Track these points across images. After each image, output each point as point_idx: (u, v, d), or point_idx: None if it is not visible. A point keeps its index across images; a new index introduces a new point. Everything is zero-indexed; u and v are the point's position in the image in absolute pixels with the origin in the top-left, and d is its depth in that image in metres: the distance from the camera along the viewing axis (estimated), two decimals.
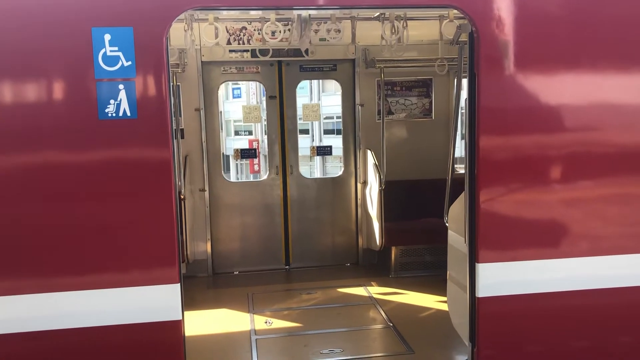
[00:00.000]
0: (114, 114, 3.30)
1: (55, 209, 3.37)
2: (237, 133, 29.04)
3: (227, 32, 6.59)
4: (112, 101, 3.29)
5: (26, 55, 3.25)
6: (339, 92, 7.34)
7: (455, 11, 4.72)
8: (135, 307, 3.48)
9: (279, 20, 5.36)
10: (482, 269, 3.71)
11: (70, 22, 3.26)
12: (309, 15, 5.26)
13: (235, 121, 27.99)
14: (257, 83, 7.66)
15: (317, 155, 8.03)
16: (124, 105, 3.30)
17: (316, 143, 25.31)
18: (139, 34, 3.28)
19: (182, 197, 5.85)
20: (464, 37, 3.91)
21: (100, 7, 3.27)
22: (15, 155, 3.33)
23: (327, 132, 26.39)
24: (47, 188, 3.35)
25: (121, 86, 3.30)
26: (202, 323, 5.42)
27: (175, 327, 3.52)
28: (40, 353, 3.49)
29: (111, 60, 3.27)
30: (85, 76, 3.28)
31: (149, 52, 3.31)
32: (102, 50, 3.26)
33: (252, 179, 24.78)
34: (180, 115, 6.64)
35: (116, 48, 3.27)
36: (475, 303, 3.76)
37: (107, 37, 3.26)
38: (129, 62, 3.29)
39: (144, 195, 3.43)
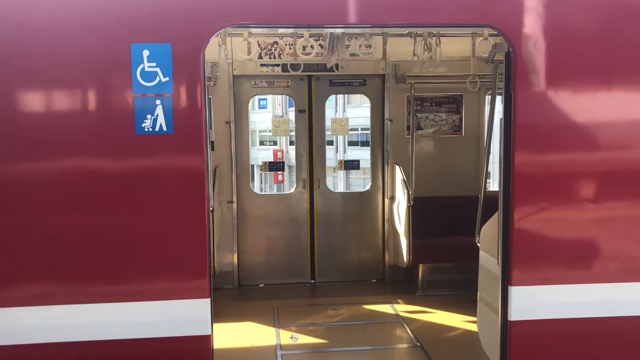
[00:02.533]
0: (150, 129, 3.34)
1: (91, 221, 3.41)
2: (262, 143, 29.25)
3: (259, 46, 6.65)
4: (149, 116, 3.33)
5: (66, 68, 3.31)
6: (365, 104, 7.34)
7: (490, 29, 4.69)
8: (166, 320, 3.50)
9: (311, 36, 5.39)
10: (515, 291, 3.64)
11: (110, 37, 3.32)
12: (342, 33, 5.28)
13: (260, 131, 28.20)
14: (284, 95, 7.68)
15: (345, 169, 8.01)
16: (161, 120, 3.34)
17: (340, 155, 25.34)
18: (176, 50, 3.32)
19: (211, 208, 5.88)
20: (498, 56, 3.88)
21: (140, 23, 3.32)
22: (53, 165, 3.38)
23: (352, 143, 26.43)
24: (83, 200, 3.39)
25: (158, 101, 3.33)
26: (228, 336, 5.42)
27: (204, 341, 3.52)
28: None
29: (149, 76, 3.32)
30: (123, 91, 3.33)
31: (186, 68, 3.34)
32: (141, 66, 3.31)
33: (276, 190, 24.87)
34: (211, 128, 6.70)
35: (154, 64, 3.31)
36: (507, 326, 3.69)
37: (146, 52, 3.31)
38: (167, 78, 3.33)
39: (178, 208, 3.46)
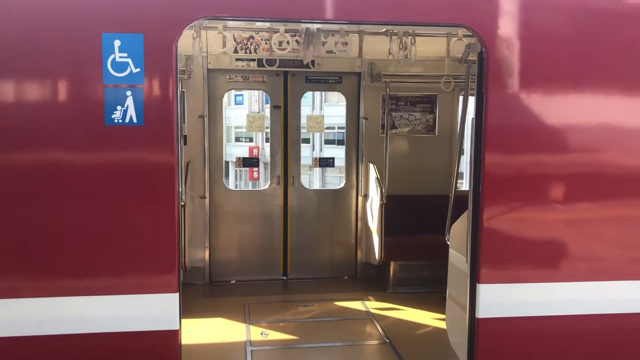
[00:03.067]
0: (120, 120, 3.29)
1: (57, 213, 3.35)
2: (237, 139, 29.09)
3: (235, 40, 6.60)
4: (119, 107, 3.28)
5: (35, 57, 3.24)
6: (342, 103, 7.34)
7: (464, 30, 4.73)
8: (133, 315, 3.45)
9: (287, 31, 5.37)
10: (483, 289, 3.69)
11: (81, 27, 3.26)
12: (317, 29, 5.27)
13: (236, 127, 28.05)
14: (260, 90, 7.65)
15: (320, 166, 8.01)
16: (131, 111, 3.29)
17: (317, 153, 25.35)
18: (149, 41, 3.27)
19: (182, 203, 5.83)
20: (472, 56, 3.92)
21: (112, 13, 3.27)
22: (20, 156, 3.31)
23: (328, 142, 26.46)
24: (49, 191, 3.33)
25: (129, 92, 3.28)
26: (197, 332, 5.38)
27: (172, 336, 3.49)
28: (34, 358, 3.45)
29: (120, 66, 3.26)
30: (93, 81, 3.27)
31: (158, 60, 3.30)
32: (112, 56, 3.25)
33: (251, 187, 24.78)
34: (184, 122, 6.63)
35: (125, 54, 3.26)
36: (475, 323, 3.73)
37: (117, 43, 3.26)
38: (138, 69, 3.28)
39: (147, 201, 3.41)
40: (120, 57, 3.27)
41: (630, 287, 3.88)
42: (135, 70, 3.28)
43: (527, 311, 3.77)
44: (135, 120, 3.30)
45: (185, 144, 6.60)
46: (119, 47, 3.26)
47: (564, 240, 3.79)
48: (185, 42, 5.50)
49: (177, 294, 3.45)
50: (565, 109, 3.71)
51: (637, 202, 3.84)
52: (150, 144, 3.37)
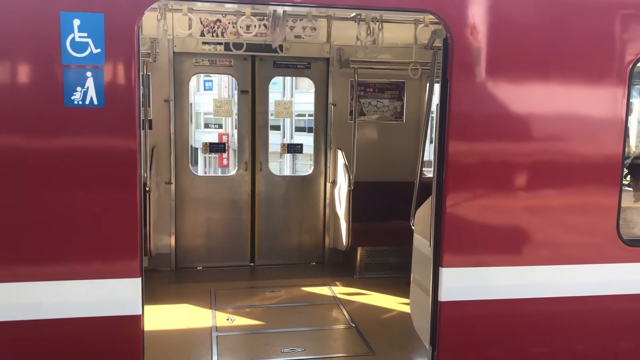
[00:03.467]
0: (80, 102, 3.21)
1: (14, 197, 3.26)
2: (207, 126, 28.79)
3: (201, 23, 6.50)
4: (79, 88, 3.20)
5: None
6: (312, 90, 7.32)
7: (431, 16, 4.75)
8: (94, 300, 3.40)
9: (254, 14, 5.31)
10: (446, 273, 3.73)
11: (38, 4, 3.15)
12: (283, 11, 5.22)
13: (205, 114, 27.75)
14: (230, 76, 7.58)
15: (288, 152, 7.99)
16: (91, 93, 3.21)
17: (287, 140, 25.29)
18: (110, 21, 3.19)
19: (147, 189, 5.75)
20: (438, 43, 3.93)
21: None
22: None
23: (299, 129, 26.40)
24: (6, 175, 3.23)
25: (89, 73, 3.20)
26: (162, 318, 5.34)
27: (134, 321, 3.45)
28: None
29: (80, 47, 3.18)
30: (51, 62, 3.17)
31: (119, 41, 3.22)
32: (71, 36, 3.16)
33: (220, 174, 24.62)
34: (149, 106, 6.52)
35: (85, 34, 3.18)
36: (438, 307, 3.78)
37: (77, 22, 3.16)
38: (98, 50, 3.20)
39: (108, 186, 3.34)
40: (79, 37, 3.18)
41: (588, 271, 3.98)
42: (95, 51, 3.20)
43: (488, 294, 3.84)
44: (95, 102, 3.22)
45: (150, 128, 6.50)
46: (78, 26, 3.17)
47: (525, 226, 3.86)
48: (151, 24, 5.40)
49: (140, 279, 3.41)
50: (529, 98, 3.75)
51: (596, 190, 3.93)
52: (112, 127, 3.29)
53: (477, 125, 3.70)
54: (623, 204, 3.95)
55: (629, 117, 3.90)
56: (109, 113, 3.25)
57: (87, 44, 3.19)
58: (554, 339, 4.00)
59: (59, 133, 3.27)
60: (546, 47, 3.71)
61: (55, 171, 3.28)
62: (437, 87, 3.97)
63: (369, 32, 5.62)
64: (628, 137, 4.39)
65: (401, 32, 6.27)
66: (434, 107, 4.00)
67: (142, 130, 3.39)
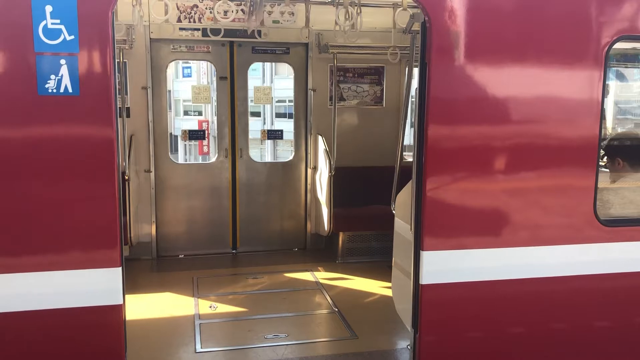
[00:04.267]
0: (54, 90, 3.15)
1: None
2: (186, 113, 28.50)
3: (178, 9, 6.41)
4: (52, 76, 3.14)
5: None
6: (292, 76, 7.28)
7: (409, 0, 4.73)
8: (74, 291, 3.36)
9: None
10: (427, 256, 3.76)
11: None
12: None
13: (184, 101, 27.45)
14: (208, 63, 7.50)
15: (268, 139, 7.97)
16: (66, 81, 3.15)
17: (267, 126, 25.15)
18: (83, 7, 3.12)
19: (126, 177, 5.69)
20: (416, 27, 3.92)
21: None
22: None
23: (279, 115, 26.27)
24: None
25: (63, 61, 3.14)
26: (144, 307, 5.31)
27: (115, 311, 3.42)
28: None
29: (53, 34, 3.11)
30: (24, 49, 3.10)
31: (93, 27, 3.16)
32: (43, 23, 3.09)
33: (200, 161, 24.44)
34: (126, 93, 6.43)
35: (58, 21, 3.11)
36: (419, 290, 3.82)
37: (49, 8, 3.09)
38: (72, 37, 3.13)
39: (85, 175, 3.30)
40: (52, 23, 3.11)
41: (567, 251, 4.04)
42: (69, 38, 3.14)
43: (469, 276, 3.88)
44: (70, 90, 3.16)
45: (128, 116, 6.42)
46: (50, 12, 3.10)
47: (504, 209, 3.89)
48: (126, 10, 5.31)
49: (120, 268, 3.38)
50: (506, 81, 3.76)
51: (573, 171, 3.97)
52: (88, 115, 3.24)
53: (456, 108, 3.71)
54: (600, 185, 4.01)
55: (605, 99, 3.95)
56: (84, 101, 3.19)
57: (60, 30, 3.12)
58: (533, 319, 4.07)
59: (33, 122, 3.21)
60: (523, 31, 3.72)
61: (31, 161, 3.22)
62: (416, 71, 3.97)
63: (347, 17, 5.59)
64: (604, 118, 4.44)
65: (380, 16, 6.25)
66: (413, 91, 4.00)
67: (119, 118, 3.34)
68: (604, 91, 3.87)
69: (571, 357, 4.14)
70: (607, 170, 4.77)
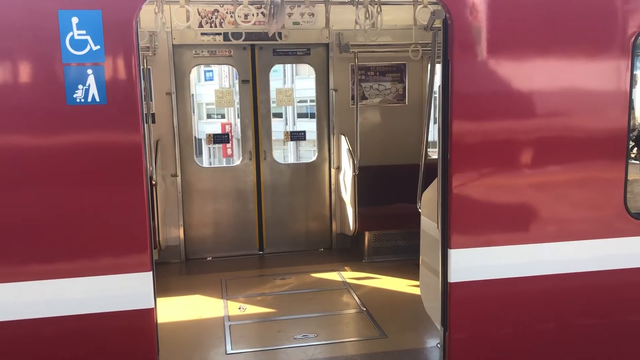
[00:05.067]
0: (82, 100, 3.21)
1: (22, 197, 3.28)
2: (209, 116, 28.75)
3: (199, 14, 6.48)
4: (80, 86, 3.21)
5: None
6: (313, 76, 7.30)
7: None
8: (107, 296, 3.43)
9: (251, 3, 5.28)
10: (454, 254, 3.75)
11: (36, 4, 3.15)
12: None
13: (207, 104, 27.69)
14: (230, 66, 7.56)
15: (291, 140, 8.01)
16: (93, 90, 3.22)
17: (290, 127, 25.22)
18: (107, 18, 3.19)
19: (153, 182, 5.78)
20: (437, 23, 3.91)
21: None
22: None
23: (301, 115, 26.32)
24: (14, 175, 3.25)
25: (90, 71, 3.21)
26: (175, 310, 5.38)
27: (147, 315, 3.48)
28: (10, 342, 3.42)
29: (79, 44, 3.18)
30: (52, 60, 3.18)
31: (118, 36, 3.22)
32: (70, 34, 3.16)
33: (224, 164, 24.65)
34: (151, 100, 6.53)
35: (84, 32, 3.17)
36: (447, 288, 3.80)
37: (75, 20, 3.16)
38: (98, 47, 3.20)
39: (114, 181, 3.36)
40: (78, 34, 3.18)
41: (597, 246, 3.98)
42: (95, 48, 3.20)
43: (497, 274, 3.85)
44: (98, 99, 3.23)
45: (153, 122, 6.51)
46: (76, 24, 3.16)
47: (532, 204, 3.85)
48: (148, 17, 5.39)
49: (151, 272, 3.44)
50: (531, 75, 3.73)
51: (602, 164, 3.91)
52: (115, 123, 3.30)
53: (480, 104, 3.68)
54: (630, 177, 3.94)
55: (634, 89, 3.88)
56: (111, 109, 3.26)
57: (86, 41, 3.19)
58: (563, 315, 4.02)
59: (63, 132, 3.28)
60: (547, 23, 3.67)
61: (63, 169, 3.30)
62: (438, 68, 3.95)
63: (367, 15, 5.58)
64: (633, 109, 4.36)
65: (400, 14, 6.23)
66: (436, 88, 3.98)
67: (145, 125, 3.40)
68: (632, 81, 3.80)
69: (603, 353, 4.08)
70: (638, 162, 4.69)
